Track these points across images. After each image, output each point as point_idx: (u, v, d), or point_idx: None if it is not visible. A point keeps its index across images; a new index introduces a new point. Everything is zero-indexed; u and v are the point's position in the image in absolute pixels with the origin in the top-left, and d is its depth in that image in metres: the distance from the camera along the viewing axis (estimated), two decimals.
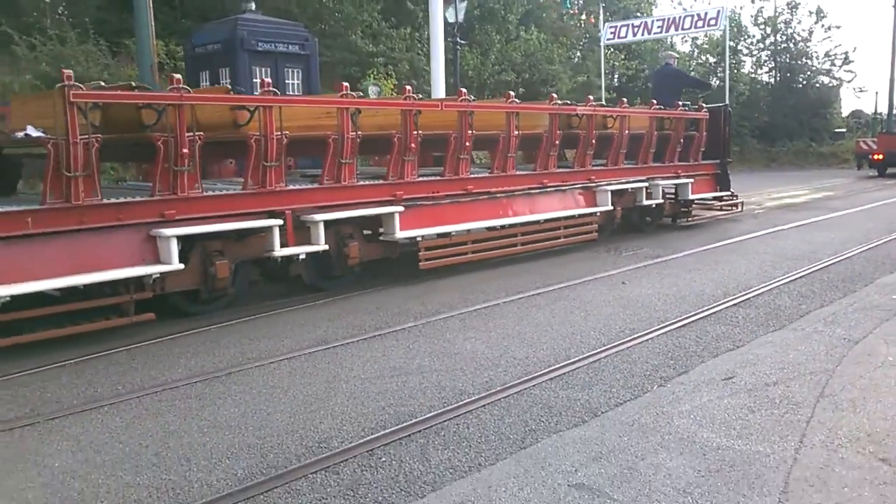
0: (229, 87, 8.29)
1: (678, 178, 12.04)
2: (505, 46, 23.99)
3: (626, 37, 19.54)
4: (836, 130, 36.85)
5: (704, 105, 13.15)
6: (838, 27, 38.71)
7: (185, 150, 6.14)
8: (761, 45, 36.95)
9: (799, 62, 36.12)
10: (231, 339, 5.87)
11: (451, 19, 15.72)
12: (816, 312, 6.41)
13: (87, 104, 5.64)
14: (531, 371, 4.88)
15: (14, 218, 5.46)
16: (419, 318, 6.37)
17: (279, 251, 6.82)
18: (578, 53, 29.38)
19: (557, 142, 9.70)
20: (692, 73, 25.66)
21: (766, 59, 36.77)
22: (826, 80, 37.68)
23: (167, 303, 6.41)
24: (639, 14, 31.70)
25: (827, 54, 37.42)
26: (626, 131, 10.78)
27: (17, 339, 5.42)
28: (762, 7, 38.25)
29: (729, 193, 13.34)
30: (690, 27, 19.11)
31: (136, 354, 5.53)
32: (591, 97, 10.88)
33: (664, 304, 6.72)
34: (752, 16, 38.50)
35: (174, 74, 6.47)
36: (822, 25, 37.43)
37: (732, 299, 6.89)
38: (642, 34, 19.56)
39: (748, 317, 6.27)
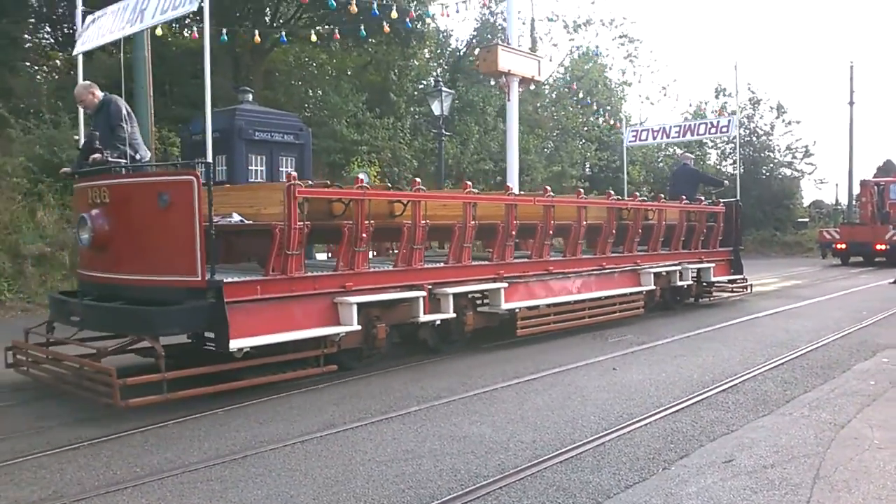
0: (389, 184, 9.33)
1: (702, 262, 13.81)
2: (483, 137, 24.83)
3: (646, 140, 21.35)
4: (799, 220, 38.23)
5: (721, 200, 15.05)
6: (798, 122, 40.69)
7: (364, 235, 7.72)
8: (726, 139, 38.56)
9: (762, 155, 37.70)
10: (240, 423, 5.98)
11: (437, 112, 16.38)
12: (801, 398, 6.72)
13: (302, 199, 7.12)
14: (540, 454, 5.08)
15: (250, 286, 6.81)
16: (422, 402, 6.54)
17: (422, 317, 8.29)
18: (552, 144, 30.39)
19: (613, 231, 11.41)
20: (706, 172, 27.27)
21: (731, 151, 38.27)
22: (788, 171, 39.30)
23: (335, 359, 7.55)
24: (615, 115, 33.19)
25: (788, 147, 39.21)
26: (664, 222, 12.62)
27: (232, 384, 6.67)
28: (726, 102, 40.09)
29: (742, 277, 15.06)
30: (705, 133, 20.96)
31: (148, 437, 5.62)
32: (637, 194, 12.89)
33: (656, 390, 6.98)
34: (714, 111, 40.27)
35: (359, 175, 7.77)
36: (783, 120, 39.32)
37: (720, 385, 7.18)
38: (661, 138, 21.21)
39: (738, 402, 6.55)
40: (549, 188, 10.01)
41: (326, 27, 23.11)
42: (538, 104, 29.36)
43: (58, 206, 14.76)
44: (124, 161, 7.44)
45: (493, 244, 9.66)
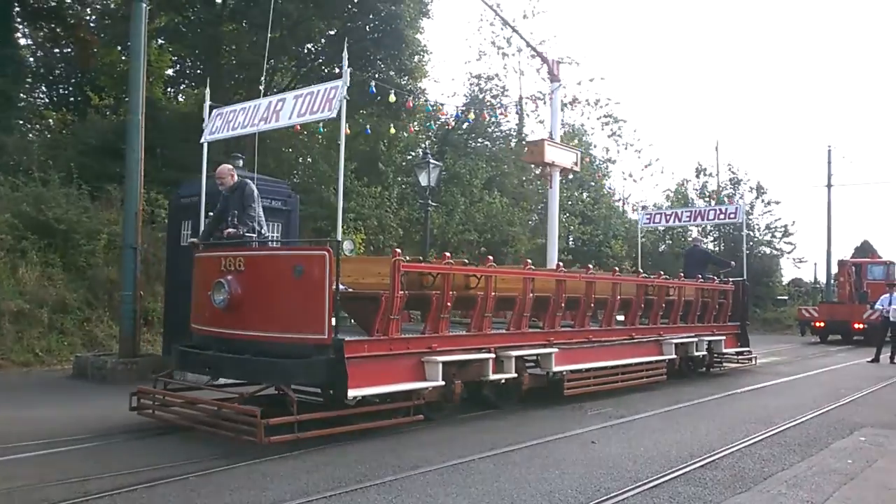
0: (465, 261, 10.66)
1: (714, 335, 15.13)
2: (469, 208, 25.13)
3: (659, 222, 23.21)
4: (779, 297, 38.59)
5: (729, 279, 16.54)
6: (778, 202, 41.29)
7: (449, 304, 8.87)
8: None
9: (740, 233, 38.25)
10: (210, 490, 5.88)
11: (424, 183, 16.62)
12: (779, 475, 6.72)
13: (402, 271, 8.22)
14: None
15: (362, 344, 7.91)
16: (398, 472, 6.47)
17: (491, 376, 9.42)
18: (536, 217, 30.76)
19: (642, 304, 12.74)
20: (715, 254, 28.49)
21: (712, 229, 38.83)
22: (767, 250, 39.85)
23: (419, 411, 8.44)
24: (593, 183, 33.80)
25: (768, 227, 39.87)
26: (683, 298, 14.04)
27: (345, 428, 7.70)
28: (706, 181, 40.92)
29: (748, 349, 16.38)
30: (714, 218, 22.40)
31: (116, 500, 5.53)
32: (661, 272, 14.03)
33: (634, 465, 6.96)
34: (695, 189, 41.07)
35: (445, 253, 10.06)
36: (763, 200, 40.09)
37: (699, 461, 7.17)
38: (673, 221, 23.43)
39: (715, 478, 6.53)
40: (590, 266, 11.29)
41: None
42: (524, 178, 29.81)
43: (40, 263, 14.74)
44: (254, 236, 8.83)
45: (543, 314, 10.78)
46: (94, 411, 9.37)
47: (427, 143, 26.11)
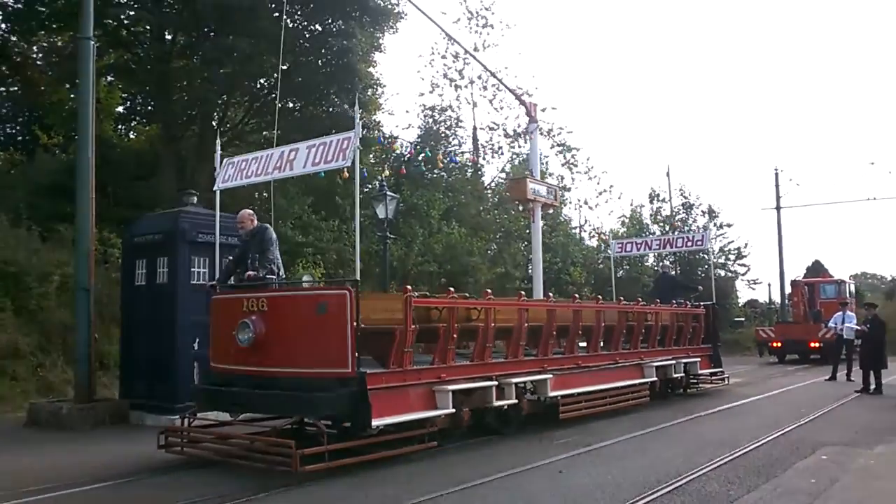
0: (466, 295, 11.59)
1: (689, 357, 15.77)
2: (427, 239, 25.12)
3: (630, 251, 23.58)
4: (736, 319, 39.18)
5: (700, 303, 17.39)
6: (730, 225, 42.17)
7: (455, 336, 9.46)
8: (639, 238, 39.76)
9: (696, 256, 38.88)
10: None
11: (382, 215, 16.60)
12: (744, 498, 6.76)
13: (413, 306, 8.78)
14: None
15: (380, 376, 8.40)
16: None
17: (494, 402, 9.90)
18: (495, 246, 30.89)
19: (624, 330, 13.45)
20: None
21: (667, 254, 39.49)
22: (722, 273, 40.55)
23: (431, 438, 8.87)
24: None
25: (721, 249, 40.60)
26: (660, 323, 14.71)
27: (370, 456, 8.12)
28: (660, 207, 41.61)
29: (721, 370, 17.14)
30: (682, 245, 23.97)
31: None
32: (639, 298, 15.16)
33: (602, 493, 6.93)
34: (650, 214, 41.73)
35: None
36: (715, 223, 40.88)
37: (665, 486, 7.17)
38: (644, 249, 24.21)
39: None
40: (550, 294, 11.99)
41: (275, 132, 23.53)
42: (481, 207, 29.98)
43: None
44: (274, 278, 9.30)
45: (537, 342, 11.31)
46: (51, 459, 9.05)
47: (384, 174, 26.14)
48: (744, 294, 45.15)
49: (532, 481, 7.52)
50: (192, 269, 11.94)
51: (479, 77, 34.17)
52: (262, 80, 23.97)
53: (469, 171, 31.93)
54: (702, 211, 41.82)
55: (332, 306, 8.24)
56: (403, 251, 24.83)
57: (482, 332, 9.98)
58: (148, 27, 22.23)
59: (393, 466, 8.27)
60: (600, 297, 14.57)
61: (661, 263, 24.00)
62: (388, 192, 17.01)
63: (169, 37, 22.59)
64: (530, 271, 33.18)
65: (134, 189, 19.29)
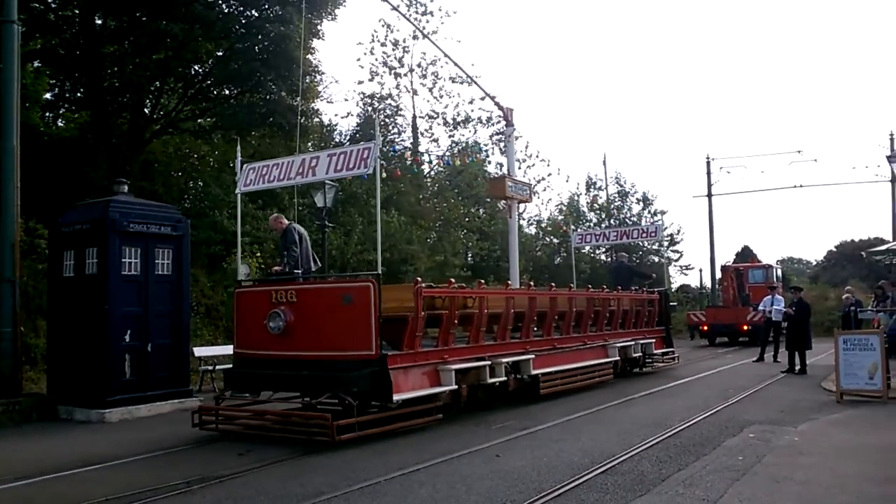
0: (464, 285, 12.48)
1: (646, 338, 17.53)
2: (367, 228, 24.98)
3: (590, 241, 26.09)
4: (669, 304, 40.10)
5: (655, 290, 19.31)
6: (664, 212, 43.09)
7: (456, 321, 10.75)
8: (597, 229, 40.47)
9: (632, 243, 39.68)
10: None
11: (320, 204, 16.45)
12: (675, 476, 6.96)
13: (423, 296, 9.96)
14: None
15: (397, 357, 9.53)
16: (302, 501, 6.33)
17: (488, 380, 11.22)
18: (434, 234, 30.93)
19: (592, 314, 14.99)
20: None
21: (610, 245, 40.21)
22: (656, 258, 41.47)
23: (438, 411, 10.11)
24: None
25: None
26: (621, 308, 16.40)
27: (390, 426, 9.39)
28: (596, 195, 42.28)
29: (672, 350, 19.03)
30: (637, 237, 26.51)
31: None
32: (604, 286, 16.82)
33: (538, 475, 7.05)
34: (587, 202, 42.36)
35: (451, 279, 12.41)
36: (650, 211, 41.75)
37: (600, 467, 7.35)
38: (602, 240, 26.49)
39: (616, 483, 6.71)
40: (482, 282, 12.51)
41: (209, 119, 23.04)
42: (420, 196, 29.97)
43: None
44: (299, 272, 10.62)
45: (521, 326, 12.57)
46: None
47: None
48: (676, 279, 46.31)
49: (470, 465, 7.60)
50: (123, 260, 11.65)
51: (419, 65, 34.06)
52: (196, 67, 23.43)
53: (409, 161, 31.86)
54: (637, 199, 42.65)
55: (357, 297, 9.38)
56: (343, 240, 24.66)
57: (476, 317, 11.20)
58: (76, 11, 21.45)
59: (329, 455, 8.28)
60: (553, 284, 15.26)
61: (618, 253, 27.13)
62: (327, 181, 16.83)
63: (99, 21, 21.83)
64: (470, 259, 33.49)
65: (63, 178, 18.65)
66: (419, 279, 10.81)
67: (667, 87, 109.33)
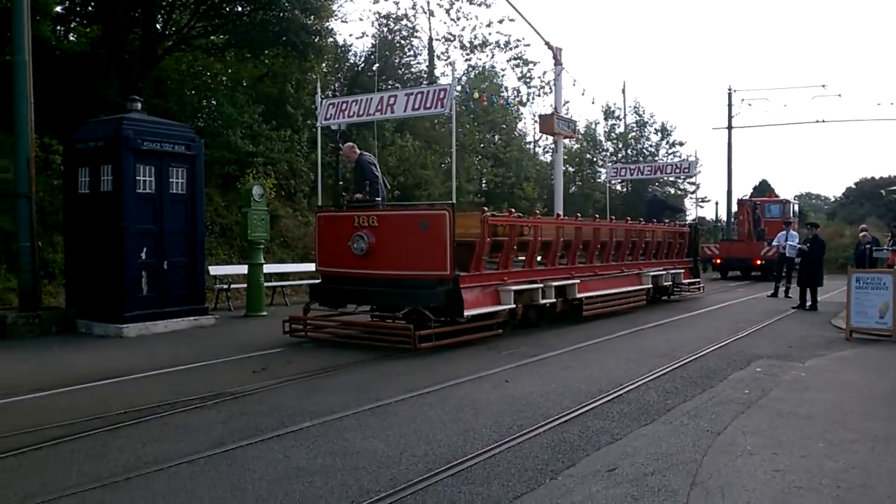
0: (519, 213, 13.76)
1: (676, 269, 18.66)
2: (381, 152, 24.83)
3: (625, 175, 27.52)
4: (698, 237, 39.97)
5: (684, 223, 20.98)
6: (682, 143, 42.61)
7: (515, 247, 11.87)
8: (614, 158, 40.05)
9: (663, 178, 39.35)
10: (122, 443, 5.75)
11: (334, 127, 16.28)
12: (681, 407, 7.05)
13: (489, 224, 11.05)
14: (432, 467, 5.13)
15: (467, 278, 10.64)
16: (315, 418, 6.47)
17: (540, 300, 12.31)
18: (449, 159, 30.73)
19: (629, 245, 16.32)
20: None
21: (618, 178, 39.85)
22: (672, 190, 41.15)
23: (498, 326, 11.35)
24: None
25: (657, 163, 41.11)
26: (657, 239, 17.79)
27: (463, 338, 10.62)
28: (614, 124, 41.70)
29: (699, 280, 20.36)
30: (671, 172, 27.43)
31: (21, 461, 5.33)
32: (641, 219, 17.91)
33: (546, 401, 7.17)
34: (605, 131, 41.83)
35: (511, 209, 13.81)
36: (667, 142, 41.18)
37: (606, 395, 7.45)
38: (637, 175, 27.64)
39: (622, 412, 6.80)
40: (537, 211, 13.65)
41: (221, 37, 22.62)
42: (435, 120, 29.64)
43: None
44: (379, 199, 11.56)
45: (567, 254, 13.83)
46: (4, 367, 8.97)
47: (337, 84, 25.55)
48: (692, 212, 46.01)
49: (479, 390, 7.72)
50: (138, 178, 11.66)
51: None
52: None
53: (424, 82, 31.38)
54: (655, 129, 42.03)
55: (433, 223, 10.36)
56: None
57: (531, 244, 12.34)
58: None
59: (342, 376, 8.44)
60: (597, 216, 16.71)
61: (651, 187, 28.07)
62: (323, 99, 16.59)
63: None
64: (484, 185, 33.35)
65: (75, 94, 18.49)
66: (486, 209, 11.98)
67: (690, 16, 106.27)
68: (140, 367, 8.94)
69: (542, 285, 12.35)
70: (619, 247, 15.86)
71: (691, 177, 27.35)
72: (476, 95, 17.14)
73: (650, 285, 16.73)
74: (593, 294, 14.05)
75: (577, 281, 13.51)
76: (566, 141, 30.35)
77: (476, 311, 10.69)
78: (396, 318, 10.65)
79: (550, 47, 19.50)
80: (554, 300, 12.70)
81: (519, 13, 21.61)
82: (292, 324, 11.29)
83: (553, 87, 20.52)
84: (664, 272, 17.68)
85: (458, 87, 15.66)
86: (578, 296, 13.44)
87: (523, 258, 12.58)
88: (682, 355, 9.94)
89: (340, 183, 20.14)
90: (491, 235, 11.14)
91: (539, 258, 12.95)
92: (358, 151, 11.93)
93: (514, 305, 11.50)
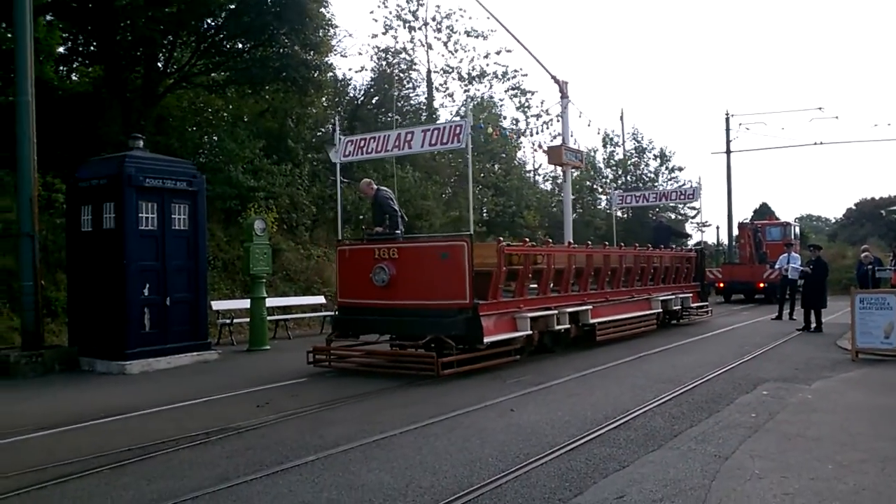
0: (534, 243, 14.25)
1: (684, 293, 19.01)
2: (382, 183, 24.92)
3: (630, 202, 27.52)
4: (704, 262, 39.95)
5: (693, 248, 22.06)
6: (681, 168, 42.71)
7: (530, 275, 12.26)
8: (614, 185, 40.16)
9: (648, 202, 39.42)
10: (128, 480, 5.71)
11: (334, 160, 16.35)
12: (688, 432, 7.01)
13: (505, 253, 11.40)
14: (438, 499, 5.09)
15: (485, 306, 10.93)
16: (320, 451, 6.44)
17: (555, 326, 12.64)
18: (450, 190, 30.85)
19: (639, 271, 16.78)
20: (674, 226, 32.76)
21: (620, 205, 39.93)
22: (672, 215, 41.19)
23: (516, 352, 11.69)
24: None
25: (662, 190, 41.22)
26: (665, 265, 18.24)
27: (466, 367, 10.71)
28: (613, 150, 41.89)
29: (706, 304, 20.90)
30: (675, 199, 28.65)
31: (25, 500, 5.30)
32: (649, 245, 17.91)
33: (552, 430, 7.12)
34: (604, 158, 41.99)
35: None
36: (667, 167, 41.33)
37: (613, 422, 7.40)
38: (642, 202, 27.97)
39: (629, 438, 6.76)
40: (500, 239, 12.96)
41: (222, 73, 22.85)
42: (435, 151, 29.81)
43: None
44: (398, 231, 12.01)
45: (579, 280, 14.15)
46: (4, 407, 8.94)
47: (336, 118, 25.73)
48: (693, 236, 46.01)
49: (484, 419, 7.68)
50: (140, 215, 11.72)
51: (434, 19, 33.68)
52: (209, 20, 23.16)
53: (423, 115, 31.65)
54: (654, 155, 42.20)
55: (453, 254, 10.71)
56: (357, 195, 24.63)
57: (545, 272, 12.70)
58: None
59: (344, 408, 8.40)
60: (606, 243, 17.17)
61: (657, 213, 28.47)
62: (341, 136, 16.72)
63: None
64: (485, 215, 33.44)
65: (78, 133, 18.64)
66: (501, 238, 12.33)
67: (686, 43, 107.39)
68: (143, 403, 8.91)
69: (556, 312, 12.65)
70: (629, 273, 16.25)
71: (694, 202, 27.57)
72: (489, 130, 17.62)
73: (660, 310, 17.06)
74: (606, 319, 14.39)
75: (590, 307, 13.82)
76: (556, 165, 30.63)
77: (495, 338, 11.01)
78: (417, 347, 11.13)
79: (557, 81, 20.00)
80: (568, 326, 13.01)
81: (526, 49, 22.02)
82: (316, 354, 11.62)
83: (560, 119, 21.02)
84: (673, 296, 18.06)
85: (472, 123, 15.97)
86: (591, 321, 13.76)
87: (535, 286, 12.83)
88: (688, 380, 9.90)
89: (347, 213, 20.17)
90: (506, 264, 11.47)
91: (552, 285, 13.20)
92: (375, 187, 12.33)
93: (530, 332, 11.77)
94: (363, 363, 11.61)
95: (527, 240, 13.12)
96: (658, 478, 5.50)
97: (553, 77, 20.07)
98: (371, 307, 11.45)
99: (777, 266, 20.77)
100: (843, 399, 8.68)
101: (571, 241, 17.66)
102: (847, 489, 5.16)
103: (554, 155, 20.65)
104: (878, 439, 6.64)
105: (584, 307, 13.70)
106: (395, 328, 11.65)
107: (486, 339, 10.73)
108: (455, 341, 10.65)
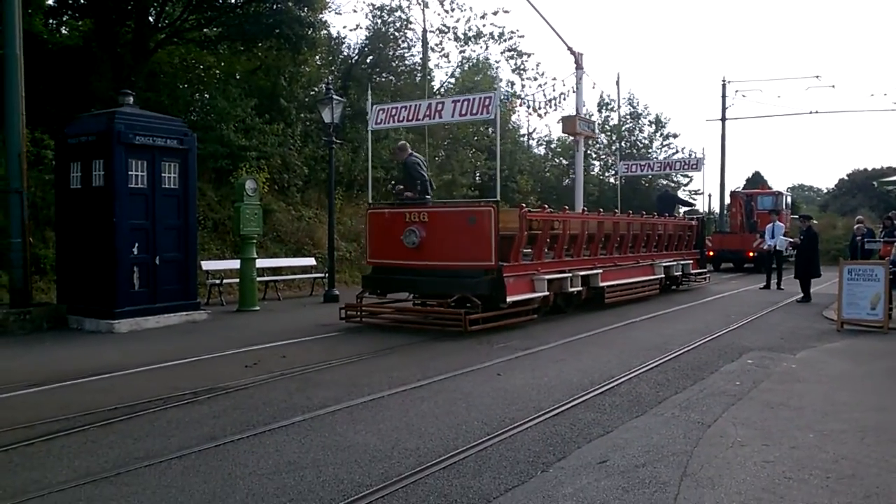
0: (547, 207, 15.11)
1: (685, 259, 19.83)
2: (375, 145, 24.78)
3: (636, 171, 27.87)
4: (705, 230, 40.02)
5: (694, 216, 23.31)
6: (676, 135, 42.60)
7: (548, 240, 13.10)
8: (608, 151, 40.06)
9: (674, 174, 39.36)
10: (114, 439, 5.74)
11: (327, 119, 16.25)
12: (672, 399, 7.08)
13: (527, 219, 12.23)
14: (423, 461, 5.14)
15: (508, 268, 11.70)
16: (307, 412, 6.48)
17: (569, 288, 13.46)
18: (442, 153, 30.69)
19: (644, 237, 17.52)
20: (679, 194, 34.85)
21: (613, 162, 39.85)
22: (665, 182, 41.18)
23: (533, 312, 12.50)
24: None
25: (666, 159, 41.12)
26: (668, 232, 19.16)
27: (504, 322, 11.70)
28: (608, 116, 41.67)
29: (706, 270, 21.80)
30: (680, 168, 28.48)
31: (12, 456, 5.32)
32: (523, 204, 16.90)
33: (538, 394, 7.19)
34: (599, 123, 41.77)
35: (545, 206, 15.39)
36: (661, 134, 41.18)
37: (598, 388, 7.47)
38: (647, 171, 28.57)
39: (614, 404, 6.83)
40: (567, 207, 14.70)
41: (214, 29, 22.50)
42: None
43: None
44: (428, 196, 12.62)
45: (591, 246, 15.05)
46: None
47: (330, 77, 25.46)
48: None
49: (471, 383, 7.73)
50: (130, 173, 11.63)
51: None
52: None
53: (418, 75, 31.29)
54: (649, 121, 42.03)
55: (480, 219, 11.36)
56: (350, 157, 24.51)
57: (561, 237, 13.48)
58: None
59: (334, 370, 8.45)
60: (585, 209, 17.43)
61: (661, 182, 30.37)
62: (335, 96, 16.61)
63: None
64: (478, 178, 33.33)
65: (67, 88, 18.40)
66: (524, 205, 13.02)
67: (685, 7, 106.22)
68: (132, 362, 8.93)
69: (570, 275, 13.45)
70: (636, 239, 17.05)
71: (698, 171, 27.65)
72: (515, 100, 18.04)
73: (663, 275, 17.85)
74: (613, 283, 15.16)
75: (600, 271, 14.63)
76: (563, 134, 30.49)
77: (516, 298, 11.72)
78: (448, 304, 11.52)
79: (573, 52, 20.44)
80: (580, 288, 13.85)
81: (544, 19, 22.28)
82: (347, 310, 12.36)
83: (575, 90, 21.47)
84: (675, 263, 18.89)
85: (503, 95, 16.18)
86: (601, 284, 14.55)
87: (550, 251, 13.48)
88: (674, 348, 9.98)
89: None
90: (527, 229, 12.13)
91: (566, 249, 14.01)
92: (408, 151, 12.76)
93: (546, 293, 12.50)
94: (394, 319, 12.28)
95: (546, 206, 13.72)
96: (641, 443, 5.57)
97: (569, 48, 20.60)
98: (401, 267, 12.11)
99: (768, 241, 20.76)
100: (827, 369, 8.77)
101: (585, 207, 18.51)
102: (827, 458, 5.24)
103: (568, 125, 21.25)
104: (859, 409, 6.72)
105: (594, 271, 14.51)
106: (424, 287, 12.29)
107: (509, 299, 11.44)
108: (480, 300, 11.22)
